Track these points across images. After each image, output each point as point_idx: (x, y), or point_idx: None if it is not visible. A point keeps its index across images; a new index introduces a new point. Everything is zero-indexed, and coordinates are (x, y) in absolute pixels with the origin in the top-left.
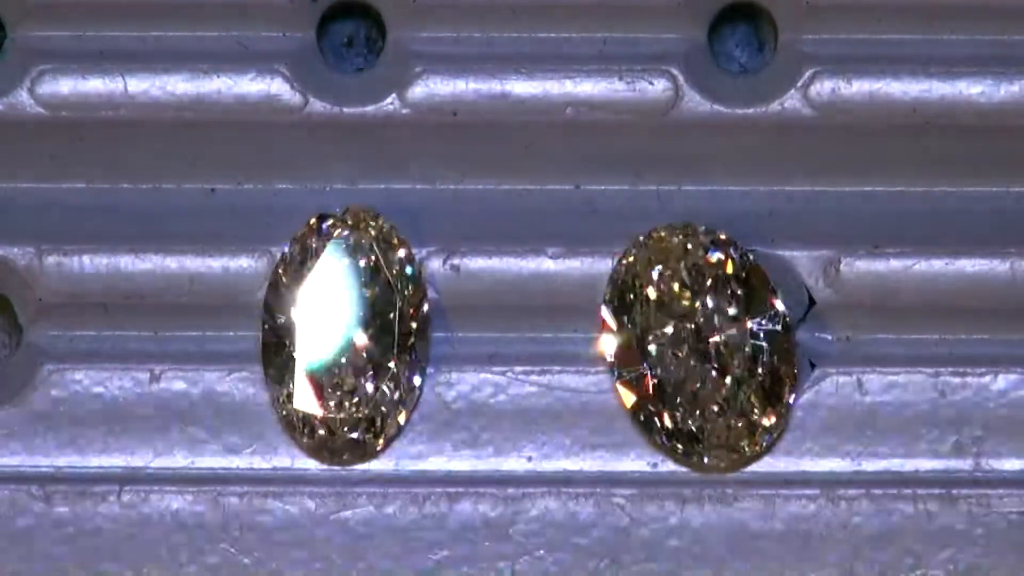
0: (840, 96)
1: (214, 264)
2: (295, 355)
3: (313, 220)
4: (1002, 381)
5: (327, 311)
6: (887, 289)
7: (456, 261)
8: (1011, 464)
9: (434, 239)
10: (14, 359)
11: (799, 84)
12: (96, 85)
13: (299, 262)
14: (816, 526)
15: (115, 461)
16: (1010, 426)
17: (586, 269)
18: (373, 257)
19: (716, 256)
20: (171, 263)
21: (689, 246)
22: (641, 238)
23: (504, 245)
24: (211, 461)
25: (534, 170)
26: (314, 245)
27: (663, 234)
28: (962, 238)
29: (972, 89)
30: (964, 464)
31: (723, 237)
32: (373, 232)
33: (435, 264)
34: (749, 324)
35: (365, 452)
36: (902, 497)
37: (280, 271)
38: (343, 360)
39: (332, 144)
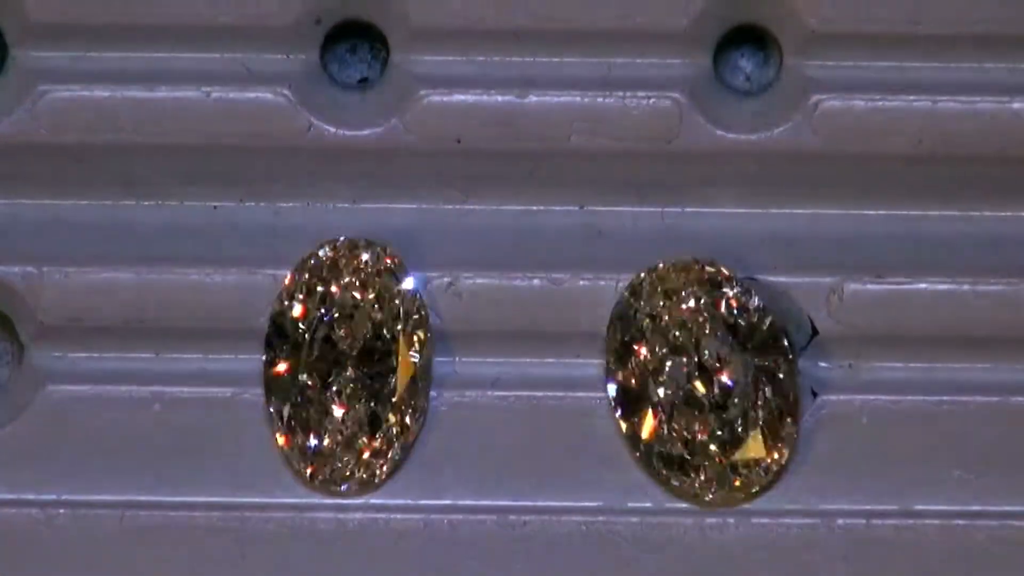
0: (844, 123)
1: (216, 285)
2: (296, 383)
3: (316, 247)
4: (1005, 410)
5: (328, 338)
6: (890, 317)
7: (459, 285)
8: (1014, 496)
9: (437, 262)
10: (15, 380)
11: (804, 110)
12: (98, 106)
13: (302, 290)
14: (817, 557)
15: (117, 484)
16: (1013, 457)
17: (590, 293)
18: (375, 284)
19: (719, 289)
20: (173, 284)
21: (692, 279)
22: (645, 271)
23: (507, 269)
24: (213, 485)
25: (538, 193)
26: (316, 272)
27: (667, 267)
28: (966, 265)
29: (977, 116)
30: (966, 495)
31: (726, 272)
32: (375, 259)
33: (438, 288)
34: (751, 357)
35: (366, 480)
36: (903, 528)
37: (282, 297)
38: (344, 388)
39: (335, 165)
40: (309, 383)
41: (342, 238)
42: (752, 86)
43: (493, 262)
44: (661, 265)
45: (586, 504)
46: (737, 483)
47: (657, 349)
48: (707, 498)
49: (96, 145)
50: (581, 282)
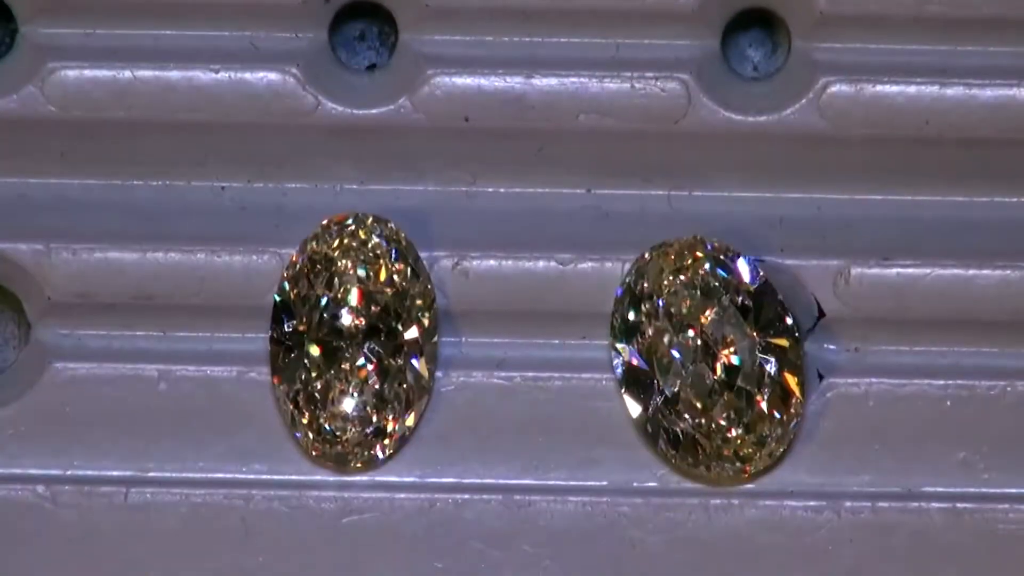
0: (852, 106)
1: (223, 264)
2: (302, 361)
3: (322, 224)
4: (1011, 395)
5: (335, 316)
6: (897, 301)
7: (466, 265)
8: (1019, 480)
9: (444, 242)
10: (22, 357)
11: (811, 93)
12: (107, 83)
13: (308, 267)
14: (821, 539)
15: (122, 462)
16: (1019, 441)
17: (596, 274)
18: (382, 262)
19: (725, 269)
20: (181, 263)
21: (699, 258)
22: (651, 250)
23: (514, 250)
24: (218, 463)
25: (545, 174)
26: (323, 250)
27: (673, 246)
28: (973, 250)
29: (985, 100)
30: (971, 479)
31: (732, 250)
32: (382, 237)
33: (445, 268)
34: (757, 337)
35: (371, 459)
36: (908, 511)
37: (289, 275)
38: (351, 366)
39: (343, 145)
40: (315, 361)
41: (349, 216)
42: (760, 72)
43: (500, 243)
44: (667, 244)
45: (591, 484)
46: (743, 460)
47: (663, 328)
48: (713, 476)
49: (104, 123)
50: (587, 264)
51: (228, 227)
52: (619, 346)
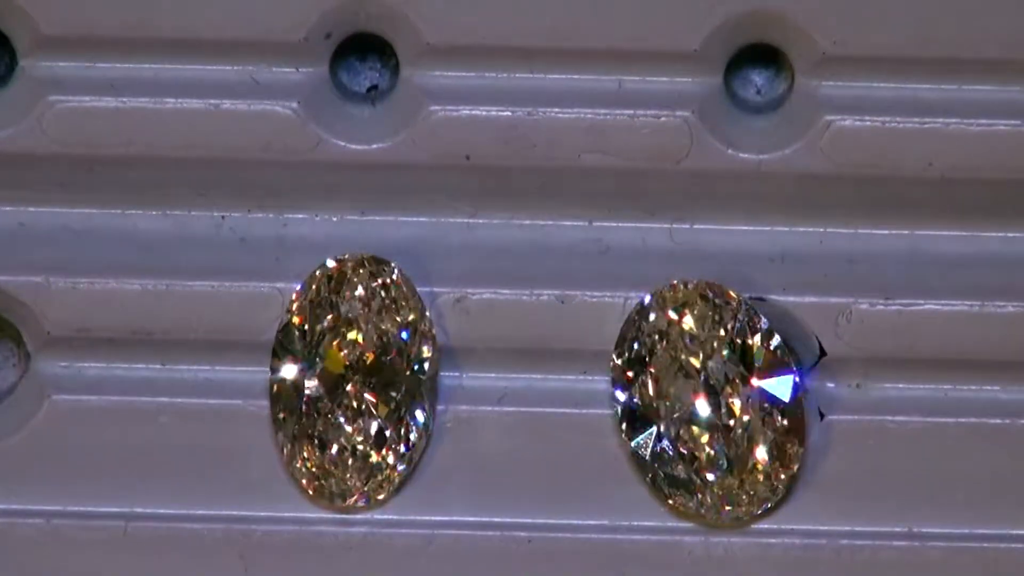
0: (855, 144)
1: (223, 297)
2: (302, 397)
3: (324, 265)
4: (1013, 433)
5: (336, 353)
6: (898, 338)
7: (466, 300)
8: (1021, 519)
9: (445, 276)
10: (21, 389)
11: (814, 131)
12: (106, 117)
13: (309, 304)
14: None
15: (121, 495)
16: (1019, 479)
17: (597, 310)
18: (383, 299)
19: (726, 311)
20: (180, 295)
21: (701, 299)
22: (653, 291)
23: (515, 285)
24: (217, 498)
25: (546, 210)
26: (324, 287)
27: (675, 288)
28: (974, 287)
29: (987, 139)
30: (972, 518)
31: (734, 295)
32: (383, 276)
33: (445, 303)
34: (758, 378)
35: (371, 495)
36: (908, 550)
37: (291, 312)
38: (350, 402)
39: (344, 178)
40: (315, 397)
41: (349, 254)
42: (763, 101)
43: (501, 278)
44: (670, 285)
45: (591, 521)
46: (742, 503)
47: (664, 368)
48: (712, 518)
49: (104, 156)
50: (589, 299)
51: (228, 259)
52: (619, 385)
